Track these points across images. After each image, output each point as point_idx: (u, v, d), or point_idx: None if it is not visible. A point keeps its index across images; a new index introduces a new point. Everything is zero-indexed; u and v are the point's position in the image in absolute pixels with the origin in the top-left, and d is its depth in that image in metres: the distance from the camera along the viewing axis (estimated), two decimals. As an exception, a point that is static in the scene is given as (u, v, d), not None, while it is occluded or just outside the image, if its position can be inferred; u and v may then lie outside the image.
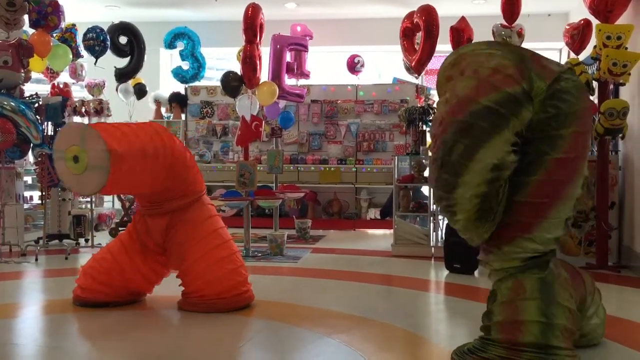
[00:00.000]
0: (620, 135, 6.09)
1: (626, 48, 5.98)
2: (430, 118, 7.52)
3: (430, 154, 3.39)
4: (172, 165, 4.35)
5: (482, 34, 7.53)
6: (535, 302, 3.14)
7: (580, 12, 7.25)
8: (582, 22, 6.82)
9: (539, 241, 3.20)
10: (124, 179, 4.10)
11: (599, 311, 3.67)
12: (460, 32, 7.40)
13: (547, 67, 3.20)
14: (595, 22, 6.32)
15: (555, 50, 10.73)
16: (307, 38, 9.16)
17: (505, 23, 7.17)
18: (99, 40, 8.15)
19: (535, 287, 3.18)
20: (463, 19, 7.53)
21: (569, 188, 3.19)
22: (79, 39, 8.20)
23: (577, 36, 6.81)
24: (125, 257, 4.53)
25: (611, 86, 6.36)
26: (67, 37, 8.01)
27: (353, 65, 9.90)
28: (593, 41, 6.55)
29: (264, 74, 7.91)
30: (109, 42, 8.29)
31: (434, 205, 7.04)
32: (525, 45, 7.33)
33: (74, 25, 8.26)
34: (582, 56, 6.81)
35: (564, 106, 3.13)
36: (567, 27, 7.12)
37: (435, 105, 3.44)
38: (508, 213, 3.22)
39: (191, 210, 4.52)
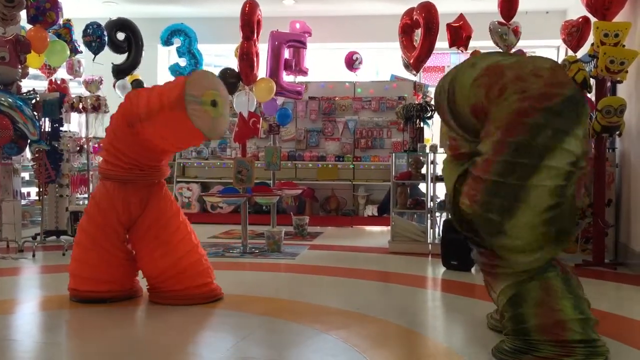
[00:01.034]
0: (618, 132, 6.11)
1: (624, 45, 5.99)
2: (428, 115, 7.52)
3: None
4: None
5: (479, 31, 7.57)
6: (569, 301, 3.23)
7: (578, 9, 7.26)
8: (581, 19, 6.84)
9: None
10: None
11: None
12: (459, 29, 7.42)
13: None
14: (592, 19, 6.33)
15: (553, 48, 10.75)
16: (306, 35, 9.15)
17: (502, 20, 7.17)
18: (95, 36, 8.14)
19: (564, 287, 3.26)
20: (462, 16, 7.54)
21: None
22: (74, 34, 8.18)
23: (576, 33, 6.83)
24: (97, 246, 4.46)
25: (608, 84, 6.37)
26: (62, 32, 7.98)
27: (351, 62, 9.89)
28: (591, 39, 6.57)
29: (262, 71, 7.91)
30: (105, 38, 8.27)
31: (431, 202, 7.06)
32: (522, 42, 7.37)
33: (68, 20, 8.24)
34: (580, 54, 6.82)
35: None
36: (565, 24, 7.14)
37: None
38: None
39: (162, 187, 4.66)
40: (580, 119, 3.12)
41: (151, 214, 4.51)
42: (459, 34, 7.46)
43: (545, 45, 10.70)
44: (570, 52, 7.00)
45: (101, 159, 4.69)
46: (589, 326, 3.22)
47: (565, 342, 3.18)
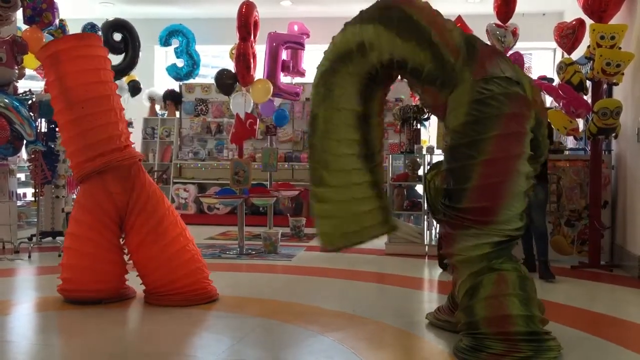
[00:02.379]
0: (614, 134, 6.12)
1: (620, 48, 6.01)
2: (425, 117, 7.53)
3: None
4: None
5: (476, 33, 7.56)
6: (517, 297, 3.34)
7: (574, 11, 7.27)
8: (574, 22, 6.85)
9: (500, 233, 3.39)
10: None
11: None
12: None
13: (487, 63, 3.45)
14: (589, 21, 6.34)
15: (550, 50, 10.76)
16: (304, 36, 9.15)
17: (499, 22, 7.18)
18: None
19: (517, 283, 3.37)
20: (459, 18, 7.53)
21: (507, 186, 3.35)
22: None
23: (572, 35, 6.84)
24: (85, 246, 4.47)
25: (605, 86, 6.38)
26: (54, 33, 7.96)
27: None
28: (585, 41, 6.58)
29: (259, 72, 7.90)
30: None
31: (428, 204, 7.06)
32: (519, 44, 7.36)
33: (61, 20, 8.22)
34: (574, 56, 6.83)
35: (488, 111, 3.34)
36: (558, 26, 7.14)
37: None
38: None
39: (149, 183, 4.67)
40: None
41: (140, 201, 4.51)
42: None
43: (541, 48, 10.72)
44: (566, 54, 7.01)
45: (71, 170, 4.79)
46: (533, 322, 3.33)
47: (510, 336, 3.29)
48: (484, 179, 3.36)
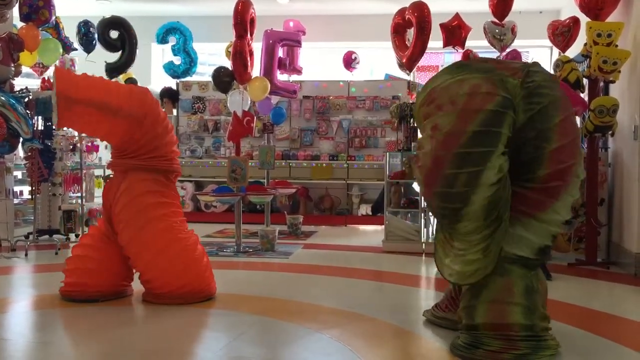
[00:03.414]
0: (610, 132, 6.13)
1: (616, 46, 6.02)
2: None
3: (417, 185, 3.58)
4: (141, 122, 4.50)
5: (473, 31, 7.57)
6: (520, 307, 3.31)
7: (571, 9, 7.28)
8: (568, 20, 6.86)
9: (550, 222, 3.35)
10: (75, 120, 4.47)
11: None
12: (457, 29, 7.42)
13: (514, 67, 3.39)
14: (585, 19, 6.35)
15: (547, 48, 10.77)
16: (300, 34, 9.15)
17: (495, 20, 7.18)
18: (81, 34, 8.11)
19: (522, 292, 3.33)
20: (457, 16, 7.54)
21: (574, 169, 3.36)
22: (62, 33, 8.13)
23: (567, 33, 6.85)
24: (103, 243, 4.58)
25: (601, 84, 6.40)
26: (48, 30, 7.94)
27: (350, 62, 9.89)
28: (580, 39, 6.60)
29: (257, 70, 7.89)
30: (92, 35, 8.22)
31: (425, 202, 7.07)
32: (516, 42, 7.37)
33: (56, 19, 8.19)
34: (570, 53, 6.84)
35: (543, 100, 3.28)
36: (552, 24, 7.15)
37: (419, 140, 3.55)
38: (520, 198, 3.35)
39: (147, 179, 4.58)
40: (497, 139, 3.21)
41: (126, 205, 4.51)
42: (457, 33, 7.46)
43: (538, 45, 10.72)
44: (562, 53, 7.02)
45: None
46: (532, 330, 3.31)
47: (510, 336, 3.28)
48: (555, 164, 3.32)
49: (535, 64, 3.48)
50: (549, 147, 3.29)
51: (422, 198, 3.65)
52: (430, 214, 7.13)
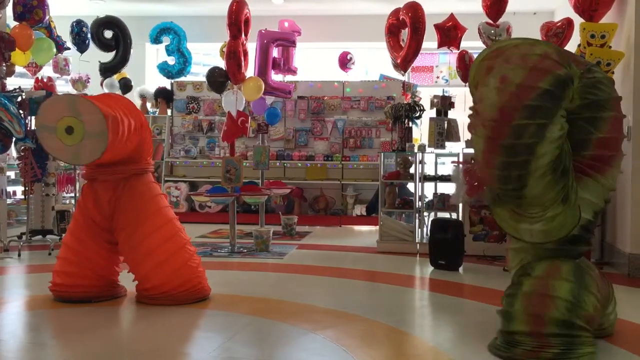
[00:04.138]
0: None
1: (610, 47, 6.04)
2: (417, 115, 7.55)
3: (474, 142, 3.54)
4: (140, 132, 4.45)
5: (468, 32, 7.59)
6: (569, 283, 3.36)
7: (565, 10, 7.30)
8: (560, 23, 6.87)
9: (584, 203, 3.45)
10: (120, 144, 4.19)
11: (615, 308, 3.92)
12: (452, 29, 7.43)
13: (578, 59, 3.56)
14: (579, 20, 6.37)
15: (541, 49, 10.78)
16: (295, 34, 9.14)
17: (490, 21, 7.19)
18: (73, 34, 8.09)
19: (571, 271, 3.41)
20: (452, 16, 7.55)
21: (616, 159, 3.52)
22: (54, 33, 8.10)
23: (561, 35, 6.87)
24: (80, 244, 4.51)
25: (595, 84, 6.40)
26: (40, 30, 7.90)
27: (345, 62, 9.89)
28: (574, 40, 6.61)
29: (251, 70, 7.89)
30: (85, 35, 8.20)
31: (419, 202, 7.08)
32: (510, 43, 7.36)
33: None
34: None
35: (601, 94, 3.42)
36: (545, 25, 7.16)
37: (481, 92, 3.51)
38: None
39: (139, 183, 4.56)
40: (560, 104, 3.31)
41: (126, 215, 4.46)
42: (452, 34, 7.47)
43: (533, 46, 10.73)
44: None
45: None
46: (576, 313, 3.29)
47: (541, 320, 3.28)
48: (600, 149, 3.47)
49: (597, 65, 3.66)
50: (597, 134, 3.43)
51: (480, 167, 3.58)
52: (424, 214, 7.12)
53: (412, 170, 7.15)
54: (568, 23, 6.84)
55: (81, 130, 4.00)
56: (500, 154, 3.34)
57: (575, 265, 3.44)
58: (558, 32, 6.90)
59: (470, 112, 3.54)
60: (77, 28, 8.15)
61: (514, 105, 3.27)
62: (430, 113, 7.52)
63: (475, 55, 8.11)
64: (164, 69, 9.42)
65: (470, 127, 3.54)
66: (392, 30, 7.65)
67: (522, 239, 3.54)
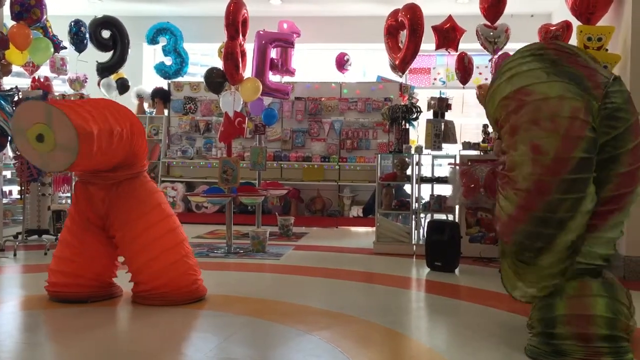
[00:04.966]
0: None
1: (607, 50, 6.05)
2: (414, 116, 7.56)
3: (501, 202, 3.43)
4: (131, 140, 4.39)
5: (466, 34, 7.60)
6: (603, 299, 3.28)
7: (562, 13, 7.32)
8: (559, 24, 6.89)
9: (600, 242, 3.36)
10: (93, 159, 4.10)
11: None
12: (451, 31, 7.44)
13: (596, 80, 3.33)
14: (576, 23, 6.39)
15: (538, 51, 10.80)
16: (294, 35, 9.14)
17: (487, 23, 7.21)
18: (71, 34, 8.08)
19: (601, 287, 3.32)
20: (450, 18, 7.57)
21: (631, 196, 3.37)
22: (49, 32, 8.08)
23: (560, 38, 6.89)
24: (77, 239, 4.50)
25: (592, 87, 6.42)
26: (37, 29, 7.89)
27: (342, 63, 9.89)
28: (571, 42, 6.61)
29: (249, 71, 7.88)
30: (83, 35, 8.19)
31: (416, 203, 7.08)
32: (507, 45, 7.40)
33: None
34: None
35: (620, 125, 3.28)
36: (543, 27, 7.18)
37: (512, 158, 3.40)
38: None
39: (134, 183, 4.55)
40: (591, 171, 3.22)
41: (122, 212, 4.46)
42: (450, 36, 7.49)
43: (530, 49, 10.75)
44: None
45: None
46: (617, 326, 3.25)
47: (589, 338, 3.21)
48: (617, 188, 3.34)
49: (616, 81, 3.40)
50: (616, 170, 3.32)
51: (502, 228, 3.48)
52: (421, 216, 7.12)
53: (409, 171, 7.16)
54: (566, 26, 6.86)
55: (52, 141, 3.89)
56: (528, 224, 3.30)
57: (602, 281, 3.38)
58: (557, 34, 6.92)
59: (500, 170, 3.47)
60: (75, 28, 8.15)
61: (550, 180, 3.19)
62: (427, 115, 7.53)
63: (474, 58, 8.12)
64: (161, 70, 9.43)
65: (500, 188, 3.45)
66: (391, 32, 7.67)
67: (512, 296, 3.59)
